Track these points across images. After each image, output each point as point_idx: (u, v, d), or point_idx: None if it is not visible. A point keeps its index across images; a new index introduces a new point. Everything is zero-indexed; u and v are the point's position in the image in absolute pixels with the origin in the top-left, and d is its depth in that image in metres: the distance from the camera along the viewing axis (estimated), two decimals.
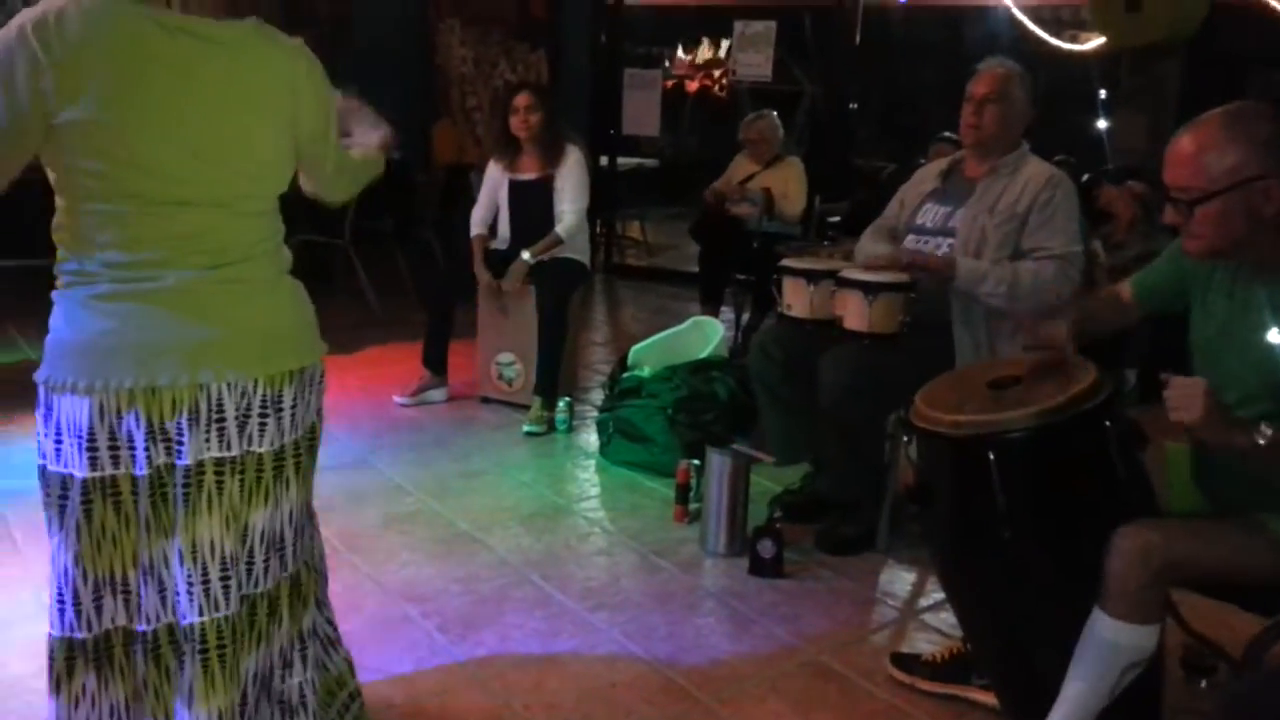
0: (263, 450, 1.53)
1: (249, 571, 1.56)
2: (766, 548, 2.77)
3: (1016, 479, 1.81)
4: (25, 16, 1.31)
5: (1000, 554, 1.88)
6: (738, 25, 6.47)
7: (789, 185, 4.96)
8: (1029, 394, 1.88)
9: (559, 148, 4.07)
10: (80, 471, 1.45)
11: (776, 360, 3.17)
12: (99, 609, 1.51)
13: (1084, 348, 1.94)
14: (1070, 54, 6.29)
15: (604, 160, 6.98)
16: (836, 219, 5.18)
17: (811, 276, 3.11)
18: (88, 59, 1.32)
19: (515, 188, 4.13)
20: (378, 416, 4.01)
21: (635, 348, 3.87)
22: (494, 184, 4.18)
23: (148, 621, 1.53)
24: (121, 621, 1.53)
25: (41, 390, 1.47)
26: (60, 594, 1.51)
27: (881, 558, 2.94)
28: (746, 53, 6.43)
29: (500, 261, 4.08)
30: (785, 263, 3.23)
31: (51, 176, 1.42)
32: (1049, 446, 1.81)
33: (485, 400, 4.22)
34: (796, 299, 3.15)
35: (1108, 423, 1.78)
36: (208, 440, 1.47)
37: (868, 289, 2.90)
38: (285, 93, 1.52)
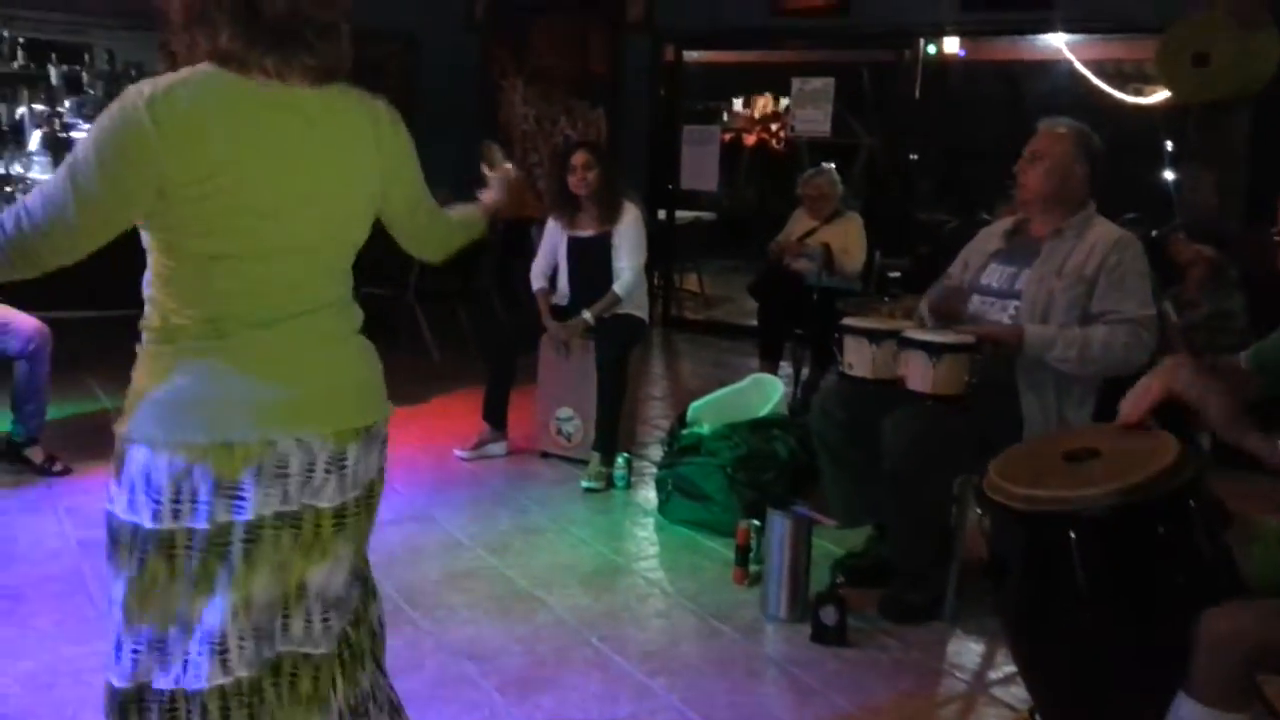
0: (323, 506, 1.54)
1: (307, 631, 1.56)
2: (829, 614, 2.72)
3: (1096, 558, 1.75)
4: (134, 91, 1.37)
5: (1078, 634, 1.82)
6: (796, 82, 6.52)
7: (849, 241, 4.95)
8: (1108, 469, 1.82)
9: (617, 205, 4.12)
10: (146, 523, 1.47)
11: (838, 420, 3.14)
12: (135, 662, 1.51)
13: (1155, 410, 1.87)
14: (1136, 107, 6.21)
15: (662, 214, 7.04)
16: (897, 274, 5.15)
17: (874, 336, 3.08)
18: (193, 127, 1.37)
19: (574, 244, 4.18)
20: (438, 470, 4.05)
21: (694, 404, 3.86)
22: (553, 239, 4.24)
23: (172, 682, 1.51)
24: (148, 679, 1.51)
25: (118, 442, 1.51)
26: (118, 644, 1.53)
27: (948, 627, 2.86)
28: (805, 108, 6.46)
29: (561, 317, 4.13)
30: (846, 321, 3.21)
31: (146, 237, 1.47)
32: (1131, 526, 1.74)
33: (544, 455, 4.24)
34: (858, 358, 3.12)
35: (1192, 502, 1.72)
36: (269, 495, 1.48)
37: (931, 350, 2.86)
38: (371, 151, 1.56)
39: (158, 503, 1.45)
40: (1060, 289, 2.81)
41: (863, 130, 7.63)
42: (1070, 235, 2.86)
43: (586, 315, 4.03)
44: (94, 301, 3.90)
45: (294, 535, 1.52)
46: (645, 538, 3.53)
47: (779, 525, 2.86)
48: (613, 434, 3.97)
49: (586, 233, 4.15)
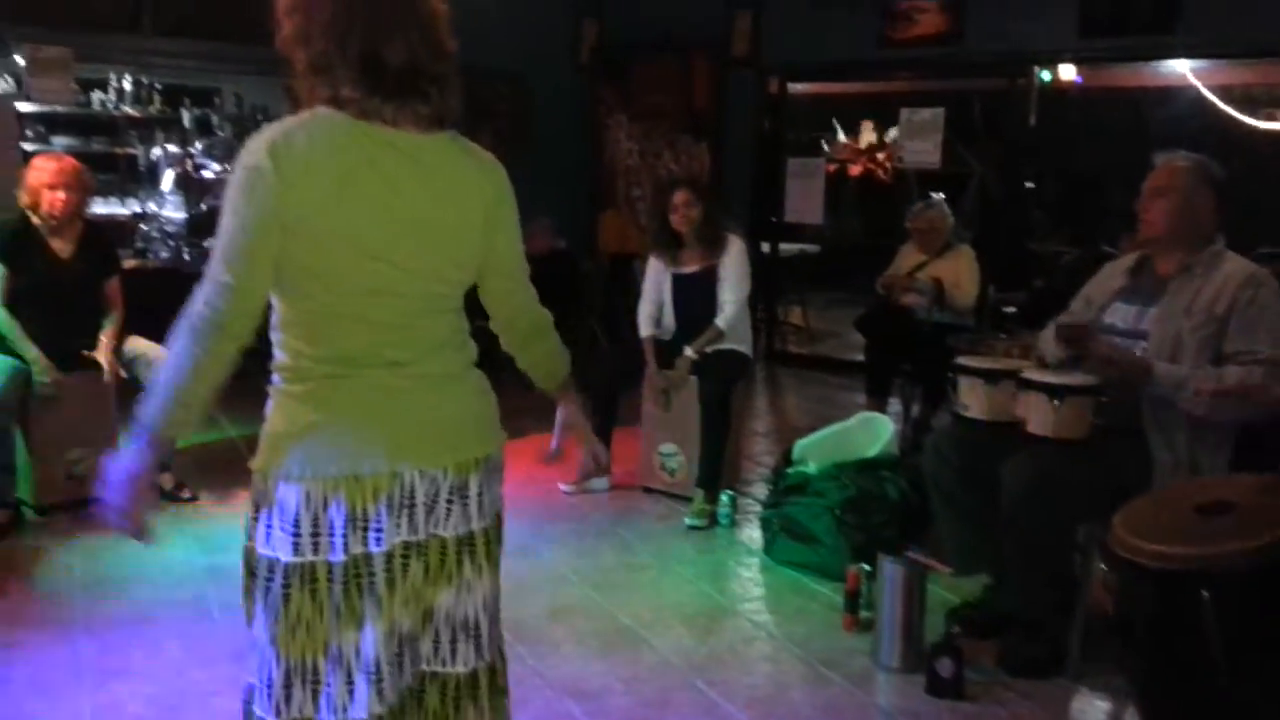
0: (447, 535, 1.59)
1: (435, 650, 1.62)
2: (945, 666, 2.62)
3: (1233, 621, 1.65)
4: (258, 138, 1.46)
5: (1215, 699, 1.71)
6: (904, 113, 6.41)
7: (960, 275, 4.82)
8: (1245, 524, 1.72)
9: (720, 239, 4.11)
10: (285, 556, 1.53)
11: (952, 464, 3.05)
12: (288, 698, 1.56)
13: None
14: (1269, 134, 5.90)
15: (765, 247, 7.00)
16: (1012, 310, 4.98)
17: (990, 377, 2.99)
18: (311, 168, 1.44)
19: (679, 281, 4.18)
20: (542, 503, 4.09)
21: (800, 442, 3.81)
22: (657, 278, 4.24)
23: (334, 713, 1.56)
24: (309, 713, 1.58)
25: (255, 477, 1.57)
26: (261, 677, 1.59)
27: (1071, 683, 2.72)
28: (913, 140, 6.35)
29: (665, 352, 4.13)
30: (961, 361, 3.12)
31: (274, 281, 1.52)
32: (1271, 587, 1.64)
33: (647, 490, 4.23)
34: (974, 400, 3.03)
35: None
36: (398, 525, 1.55)
37: (1053, 391, 2.75)
38: (478, 198, 1.60)
39: (296, 536, 1.52)
40: (1189, 329, 2.67)
41: (973, 160, 7.45)
42: (1198, 272, 2.72)
43: (689, 351, 4.03)
44: None
45: (423, 565, 1.57)
46: (750, 578, 3.48)
47: (891, 571, 2.78)
48: (717, 471, 3.94)
49: (691, 268, 4.15)
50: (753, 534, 3.78)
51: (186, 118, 7.89)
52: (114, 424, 3.94)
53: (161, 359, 3.81)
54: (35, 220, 3.71)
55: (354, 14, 1.45)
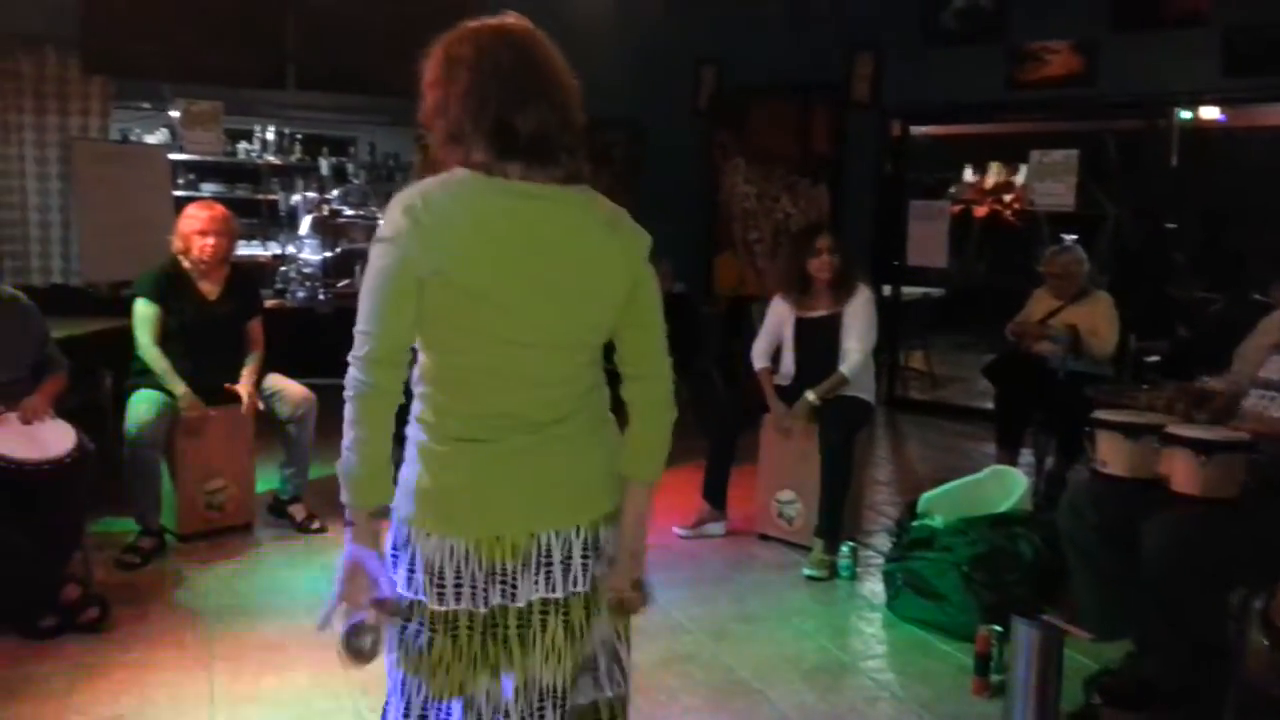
0: (585, 590, 1.61)
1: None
2: None
3: None
4: (396, 199, 1.52)
5: None
6: (1035, 154, 6.22)
7: (1098, 321, 4.60)
8: None
9: (851, 286, 4.06)
10: (430, 603, 1.57)
11: (1090, 522, 2.90)
12: None
13: None
14: None
15: (887, 290, 6.87)
16: (1155, 359, 4.72)
17: (1132, 431, 2.84)
18: (448, 224, 1.49)
19: (803, 325, 4.13)
20: (657, 547, 4.05)
21: (926, 495, 3.67)
22: (779, 319, 4.21)
23: None
24: None
25: (397, 522, 1.62)
26: (387, 710, 1.64)
27: None
28: (1045, 181, 6.15)
29: (783, 397, 4.08)
30: (1100, 415, 2.98)
31: (417, 335, 1.57)
32: None
33: (764, 538, 4.16)
34: (1114, 455, 2.88)
35: None
36: (536, 583, 1.58)
37: (1201, 447, 2.60)
38: (612, 250, 1.61)
39: (441, 585, 1.57)
40: None
41: (1108, 202, 7.15)
42: None
43: (810, 396, 3.96)
44: (343, 371, 4.25)
45: (563, 623, 1.60)
46: (872, 634, 3.36)
47: (1026, 634, 2.64)
48: (837, 520, 3.84)
49: (817, 313, 4.10)
50: (874, 587, 3.66)
51: (324, 166, 8.32)
52: (252, 457, 4.13)
53: (297, 395, 4.03)
54: (186, 264, 3.94)
55: (487, 88, 1.51)
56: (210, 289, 3.99)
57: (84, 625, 3.09)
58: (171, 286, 3.90)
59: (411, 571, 1.59)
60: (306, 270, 7.02)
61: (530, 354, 1.55)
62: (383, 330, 1.50)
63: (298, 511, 4.16)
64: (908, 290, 7.24)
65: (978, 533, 3.32)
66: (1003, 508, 3.51)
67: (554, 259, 1.54)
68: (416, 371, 1.61)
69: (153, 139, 7.62)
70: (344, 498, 1.54)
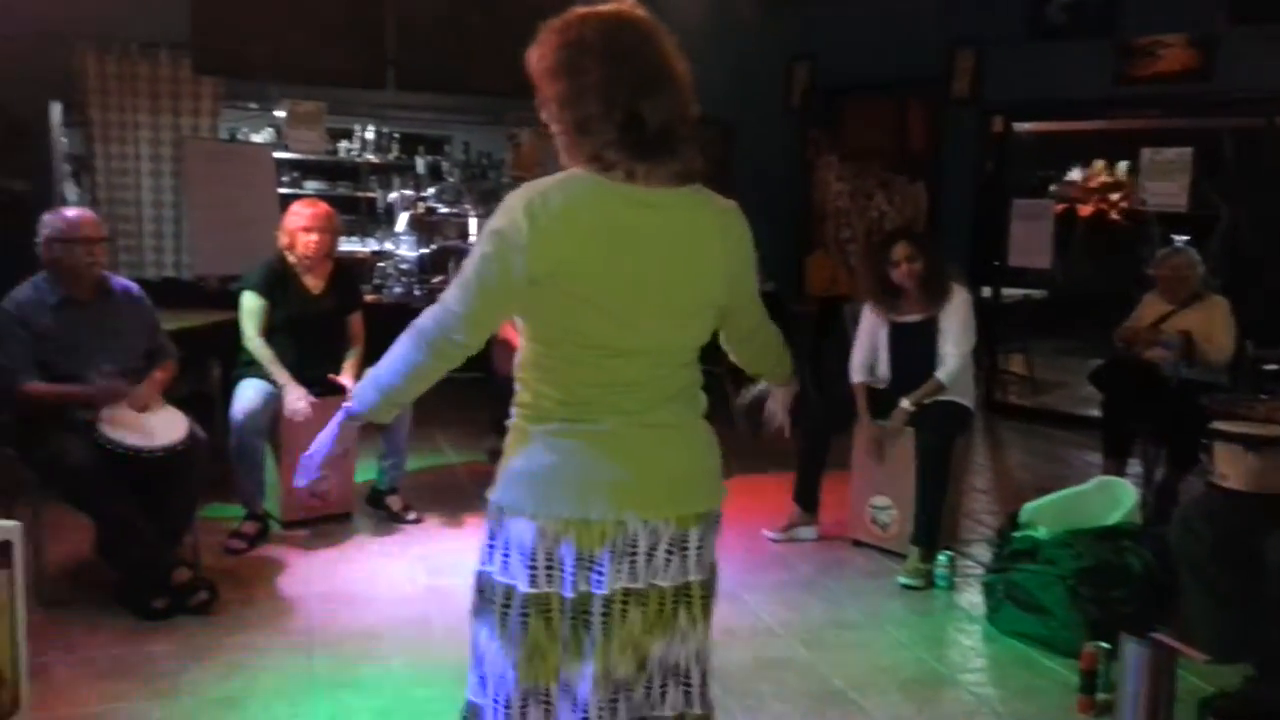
0: (665, 585, 1.62)
1: (646, 694, 1.64)
2: None
3: None
4: (517, 195, 1.52)
5: None
6: (1146, 152, 5.96)
7: (1213, 327, 4.39)
8: None
9: (943, 288, 3.94)
10: (523, 586, 1.59)
11: (1205, 539, 2.77)
12: (524, 716, 1.62)
13: None
14: None
15: (986, 291, 6.68)
16: (1274, 367, 4.48)
17: (1252, 443, 2.70)
18: (564, 227, 1.49)
19: (897, 330, 4.04)
20: (747, 549, 4.02)
21: (1029, 505, 3.55)
22: (873, 326, 4.11)
23: None
24: None
25: (492, 507, 1.64)
26: (495, 696, 1.65)
27: None
28: (1156, 180, 5.89)
29: (880, 402, 4.00)
30: (1219, 426, 2.84)
31: (521, 325, 1.61)
32: None
33: (857, 543, 4.08)
34: (1233, 468, 2.75)
35: None
36: (619, 571, 1.58)
37: None
38: (721, 252, 1.63)
39: (532, 568, 1.58)
40: None
41: (1223, 202, 6.82)
42: None
43: (906, 403, 3.87)
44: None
45: (641, 613, 1.60)
46: (971, 647, 3.27)
47: (1135, 653, 2.53)
48: (934, 529, 3.75)
49: (910, 318, 4.00)
50: (973, 599, 3.56)
51: (420, 164, 8.49)
52: (354, 446, 4.23)
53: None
54: (291, 259, 4.06)
55: (619, 78, 1.50)
56: (314, 284, 4.10)
57: (194, 608, 3.21)
58: (278, 281, 4.03)
59: (506, 555, 1.61)
60: (403, 266, 7.18)
61: (634, 359, 1.57)
62: (471, 317, 1.55)
63: (394, 502, 4.25)
64: (1008, 292, 7.02)
65: (1084, 546, 3.20)
66: (1110, 520, 3.37)
67: (668, 271, 1.55)
68: (519, 358, 1.62)
69: (259, 138, 7.88)
70: (364, 402, 1.67)
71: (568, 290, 1.50)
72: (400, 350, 1.61)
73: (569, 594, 1.57)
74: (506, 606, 1.61)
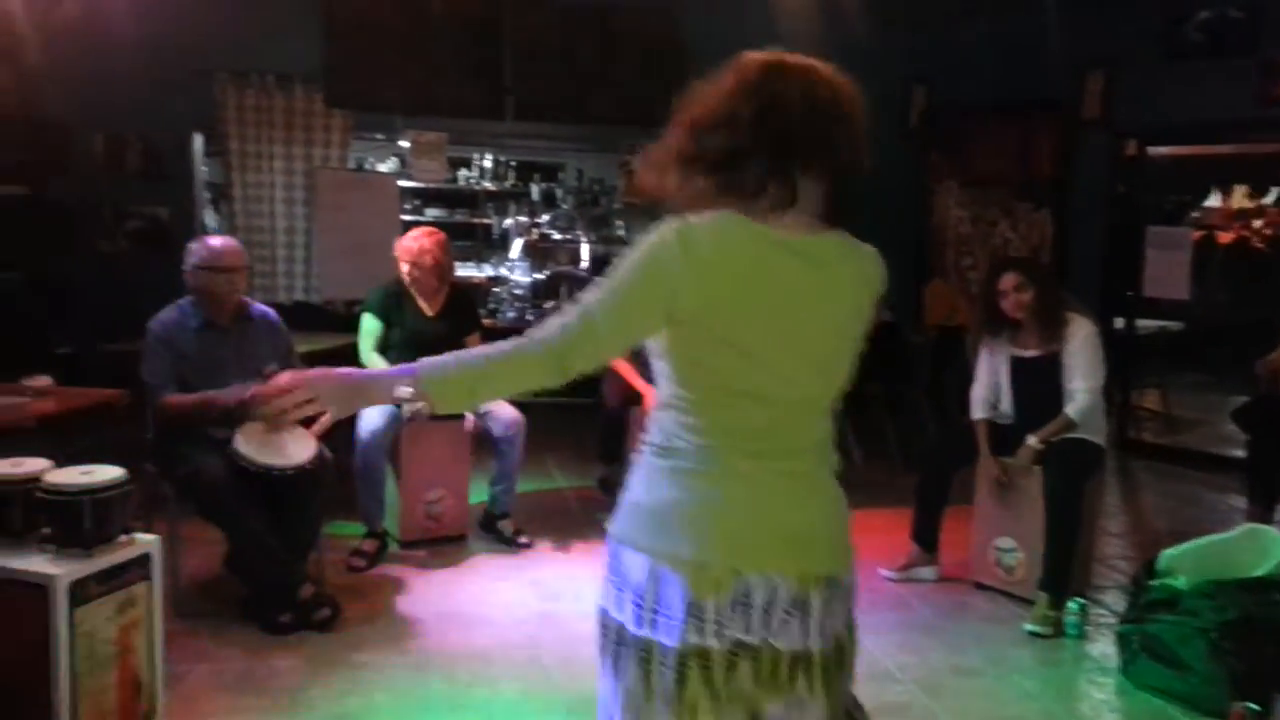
0: (781, 647, 1.53)
1: None
2: None
3: None
4: (668, 226, 1.48)
5: None
6: None
7: None
8: None
9: (1061, 321, 3.76)
10: (629, 626, 1.54)
11: None
12: None
13: None
14: None
15: (1119, 323, 6.38)
16: None
17: None
18: (711, 262, 1.45)
19: (1018, 364, 3.87)
20: (863, 587, 3.86)
21: (1167, 552, 3.34)
22: (993, 360, 3.95)
23: None
24: None
25: (610, 541, 1.60)
26: None
27: None
28: None
29: (1004, 439, 3.84)
30: None
31: (660, 366, 1.56)
32: None
33: (979, 586, 3.92)
34: None
35: None
36: (733, 622, 1.50)
37: None
38: (866, 301, 1.58)
39: (639, 606, 1.53)
40: None
41: None
42: None
43: (1033, 441, 3.70)
44: (550, 389, 4.42)
45: (752, 668, 1.52)
46: (1104, 701, 3.09)
47: None
48: (1064, 574, 3.56)
49: (1031, 352, 3.83)
50: (1105, 649, 3.37)
51: (535, 191, 8.66)
52: (469, 470, 4.31)
53: (508, 416, 4.18)
54: (408, 282, 4.19)
55: (773, 125, 1.48)
56: (430, 306, 4.24)
57: (317, 623, 3.30)
58: (394, 303, 4.19)
59: (620, 591, 1.56)
60: (517, 291, 7.32)
61: (771, 405, 1.52)
62: (603, 330, 1.49)
63: (506, 526, 4.30)
64: (1142, 323, 6.68)
65: (1229, 597, 2.99)
66: (1258, 571, 3.13)
67: (812, 318, 1.51)
68: (655, 399, 1.60)
69: (384, 167, 8.18)
70: (431, 367, 1.51)
71: (711, 330, 1.47)
72: (505, 346, 1.53)
73: (672, 644, 1.50)
74: (619, 645, 1.56)
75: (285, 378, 1.56)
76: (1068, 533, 3.58)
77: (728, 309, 1.47)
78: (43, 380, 3.63)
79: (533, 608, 3.62)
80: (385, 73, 6.74)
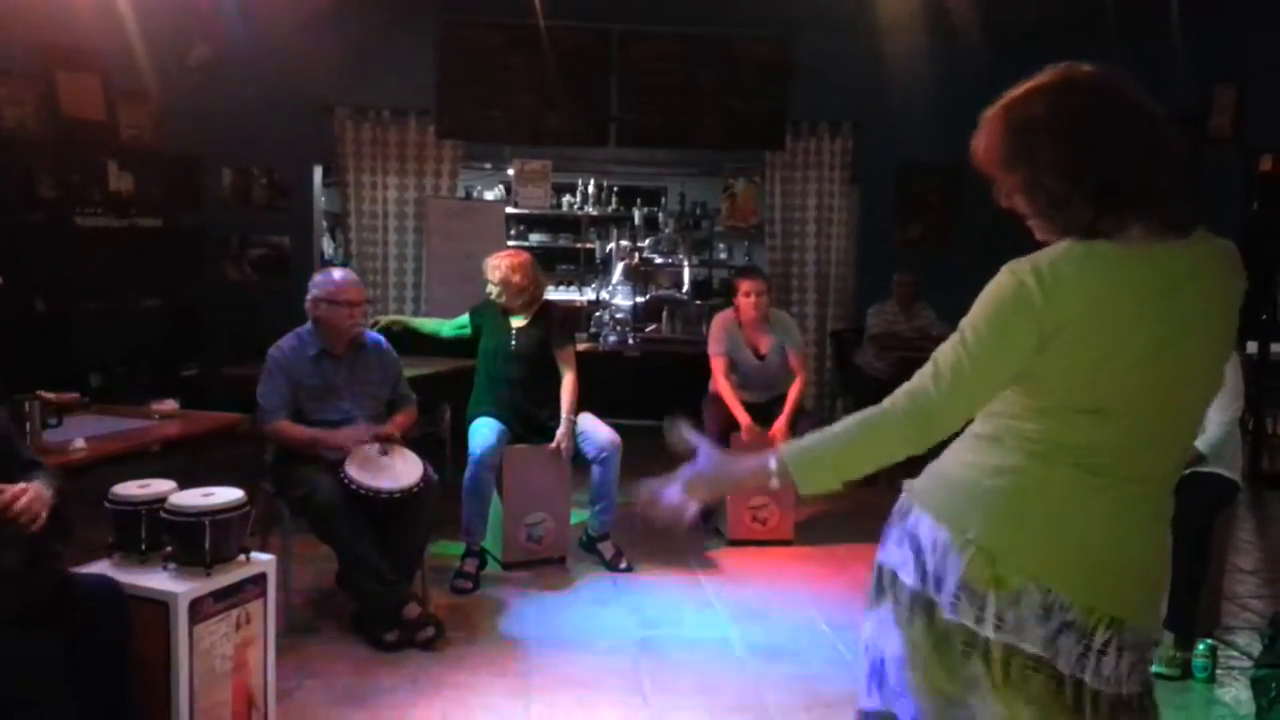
0: (1085, 679, 1.42)
1: None
2: None
3: None
4: (1020, 264, 1.41)
5: None
6: None
7: None
8: None
9: None
10: (906, 580, 1.53)
11: None
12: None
13: None
14: None
15: (1252, 347, 6.01)
16: None
17: None
18: (1071, 289, 1.38)
19: None
20: None
21: None
22: None
23: None
24: None
25: (904, 495, 1.57)
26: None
27: None
28: None
29: None
30: None
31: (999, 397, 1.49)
32: None
33: None
34: None
35: None
36: (1021, 629, 1.42)
37: None
38: (1232, 305, 1.48)
39: (923, 566, 1.49)
40: None
41: None
42: None
43: None
44: (649, 412, 4.42)
45: (1049, 687, 1.42)
46: None
47: None
48: (1191, 613, 3.35)
49: None
50: (1238, 694, 3.15)
51: (636, 216, 8.73)
52: (569, 493, 4.34)
53: (604, 437, 4.19)
54: (501, 300, 4.32)
55: (1078, 151, 1.41)
56: (519, 321, 4.36)
57: (421, 643, 3.36)
58: (490, 314, 4.39)
59: (900, 547, 1.54)
60: (618, 315, 7.36)
61: (1115, 421, 1.42)
62: (962, 393, 1.44)
63: (606, 549, 4.31)
64: (1277, 348, 6.28)
65: None
66: None
67: (1165, 327, 1.40)
68: (980, 427, 1.52)
69: (490, 195, 8.39)
70: (799, 453, 1.50)
71: (1065, 354, 1.39)
72: (861, 417, 1.50)
73: (947, 616, 1.46)
74: (899, 604, 1.53)
75: (666, 488, 1.60)
76: (1196, 570, 3.36)
77: (1094, 324, 1.38)
78: (169, 404, 3.82)
79: (632, 635, 3.60)
80: (494, 104, 6.94)
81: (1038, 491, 1.44)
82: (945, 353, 1.45)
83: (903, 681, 1.53)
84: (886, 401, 1.48)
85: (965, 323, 1.45)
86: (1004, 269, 1.41)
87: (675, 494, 1.59)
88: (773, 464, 1.51)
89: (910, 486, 1.57)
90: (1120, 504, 1.43)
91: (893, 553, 1.55)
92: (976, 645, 1.45)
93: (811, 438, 1.52)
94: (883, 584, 1.57)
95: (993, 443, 1.48)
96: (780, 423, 4.64)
